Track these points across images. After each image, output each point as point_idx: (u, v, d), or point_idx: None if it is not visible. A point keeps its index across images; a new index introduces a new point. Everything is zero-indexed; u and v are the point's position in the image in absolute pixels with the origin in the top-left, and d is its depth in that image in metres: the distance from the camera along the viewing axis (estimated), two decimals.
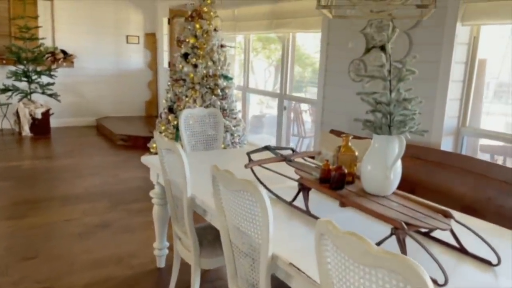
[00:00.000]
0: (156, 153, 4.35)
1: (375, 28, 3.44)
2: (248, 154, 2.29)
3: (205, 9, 4.12)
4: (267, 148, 2.37)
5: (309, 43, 5.58)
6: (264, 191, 1.41)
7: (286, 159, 2.23)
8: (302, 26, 4.41)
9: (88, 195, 4.26)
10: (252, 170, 2.17)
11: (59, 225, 3.53)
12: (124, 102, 8.25)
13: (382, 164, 1.75)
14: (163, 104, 4.44)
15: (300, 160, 2.40)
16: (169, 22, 7.77)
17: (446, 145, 3.06)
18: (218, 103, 4.19)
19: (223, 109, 4.27)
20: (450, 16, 2.89)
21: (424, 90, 3.08)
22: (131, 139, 6.50)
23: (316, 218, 1.78)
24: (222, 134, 3.45)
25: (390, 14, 2.12)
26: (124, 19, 8.02)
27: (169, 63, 7.91)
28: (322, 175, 1.87)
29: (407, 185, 2.22)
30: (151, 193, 2.79)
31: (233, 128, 4.27)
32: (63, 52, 7.42)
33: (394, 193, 1.81)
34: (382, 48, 3.47)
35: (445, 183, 2.59)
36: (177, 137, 4.16)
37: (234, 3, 5.03)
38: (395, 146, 1.77)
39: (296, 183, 1.97)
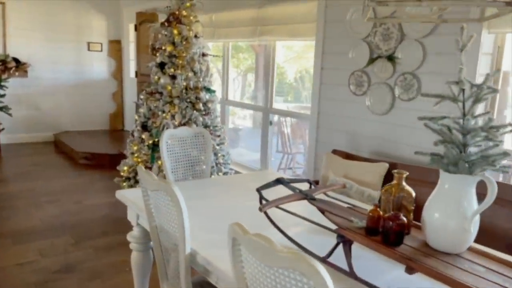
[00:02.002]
0: (128, 178, 3.77)
1: (381, 36, 3.07)
2: (259, 191, 1.81)
3: (184, 13, 3.62)
4: (280, 181, 1.90)
5: (278, 51, 5.14)
6: (326, 276, 0.93)
7: (308, 197, 1.76)
8: (291, 34, 3.99)
9: (46, 228, 3.61)
10: (267, 215, 1.69)
11: (9, 272, 2.88)
12: (85, 115, 7.53)
13: (457, 212, 1.33)
14: (135, 120, 3.87)
15: (322, 194, 1.95)
16: (136, 28, 7.17)
17: None
18: (200, 119, 3.67)
19: (205, 126, 3.76)
20: (474, 22, 2.55)
21: (443, 107, 2.72)
22: (96, 158, 5.82)
23: (368, 284, 1.32)
24: (211, 158, 2.94)
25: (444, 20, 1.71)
26: (86, 25, 7.34)
27: (136, 73, 7.29)
28: (370, 224, 1.42)
29: None
30: (129, 237, 2.24)
31: (217, 147, 3.76)
32: (16, 60, 6.63)
33: (468, 248, 1.39)
34: (390, 58, 3.11)
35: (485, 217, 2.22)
36: (152, 159, 3.60)
37: (214, 7, 4.56)
38: (473, 189, 1.35)
39: (321, 229, 1.51)
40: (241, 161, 5.09)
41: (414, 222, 1.56)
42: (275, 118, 4.92)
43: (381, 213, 1.42)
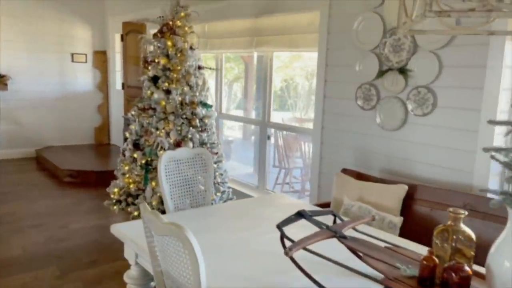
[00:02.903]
0: (119, 201, 3.48)
1: (391, 48, 2.89)
2: (280, 228, 1.58)
3: (178, 23, 3.38)
4: (302, 215, 1.67)
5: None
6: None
7: (337, 234, 1.54)
8: (291, 44, 3.79)
9: (29, 259, 3.29)
10: (293, 260, 1.46)
11: None
12: (69, 129, 7.19)
13: None
14: (125, 138, 3.59)
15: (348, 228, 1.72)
16: (122, 39, 6.89)
17: (493, 188, 2.53)
18: (197, 136, 3.43)
19: (202, 143, 3.51)
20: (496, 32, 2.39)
21: (463, 122, 2.55)
22: (81, 175, 5.50)
23: None
24: (213, 181, 2.70)
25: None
26: (69, 35, 7.03)
27: (123, 85, 7.00)
28: (424, 275, 1.20)
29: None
30: (126, 277, 1.98)
31: (214, 165, 3.52)
32: None
33: None
34: (401, 71, 2.92)
35: None
36: (145, 181, 3.34)
37: (207, 17, 4.33)
38: None
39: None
40: (235, 175, 4.85)
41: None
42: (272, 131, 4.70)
43: (437, 261, 1.20)
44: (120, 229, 1.97)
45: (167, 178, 2.42)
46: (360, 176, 2.75)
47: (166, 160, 2.41)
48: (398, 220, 2.25)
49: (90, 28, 7.23)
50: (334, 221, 1.76)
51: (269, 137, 4.35)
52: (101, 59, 7.35)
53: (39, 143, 6.86)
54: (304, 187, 5.08)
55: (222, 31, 4.51)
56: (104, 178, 5.42)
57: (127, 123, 5.75)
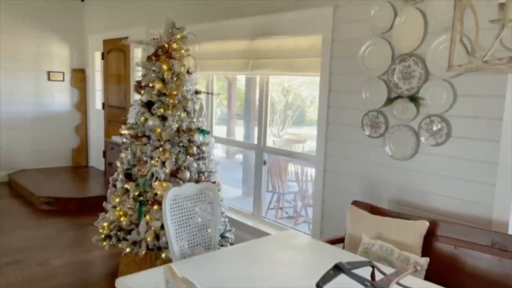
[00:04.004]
0: (108, 236, 3.21)
1: (400, 74, 2.80)
2: (320, 286, 1.40)
3: (174, 45, 3.20)
4: (340, 269, 1.50)
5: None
6: None
7: None
8: (290, 68, 3.67)
9: None
10: None
11: None
12: (45, 151, 6.80)
13: None
14: (117, 168, 3.33)
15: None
16: (103, 57, 6.63)
17: None
18: (195, 165, 3.22)
19: (199, 172, 3.30)
20: None
21: (481, 153, 2.46)
22: (59, 202, 5.14)
23: None
24: (220, 218, 2.50)
25: None
26: (46, 53, 6.70)
27: (104, 105, 6.71)
28: None
29: None
30: None
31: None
32: None
33: None
34: (412, 99, 2.83)
35: None
36: (139, 215, 3.08)
37: (199, 37, 4.15)
38: None
39: None
40: (225, 200, 4.62)
41: None
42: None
43: None
44: (128, 283, 1.74)
45: (173, 218, 2.20)
46: (374, 210, 2.61)
47: (171, 199, 2.19)
48: (424, 261, 2.11)
49: (68, 45, 6.93)
50: (373, 273, 1.59)
51: (265, 162, 4.18)
52: (79, 77, 7.04)
53: (12, 166, 6.43)
54: (298, 212, 4.91)
55: (214, 52, 4.35)
56: (85, 205, 5.11)
57: (110, 147, 5.47)
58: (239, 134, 7.63)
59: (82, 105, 7.12)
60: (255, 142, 4.21)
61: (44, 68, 6.72)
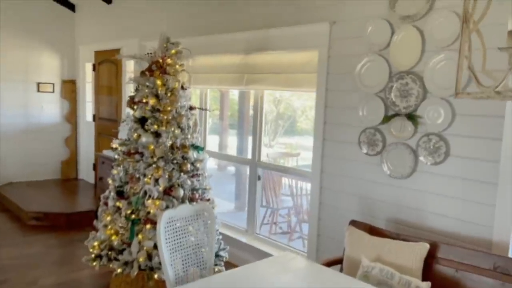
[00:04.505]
0: (99, 256, 3.11)
1: (397, 92, 2.78)
2: None
3: (169, 61, 3.14)
4: None
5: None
6: None
7: None
8: (285, 84, 3.63)
9: None
10: None
11: None
12: (34, 163, 6.65)
13: None
14: (109, 185, 3.25)
15: None
16: (94, 68, 6.55)
17: None
18: (189, 182, 3.15)
19: (193, 189, 3.23)
20: None
21: (480, 173, 2.43)
22: (48, 218, 5.01)
23: None
24: (215, 240, 2.43)
25: None
26: (35, 63, 6.60)
27: (94, 116, 6.61)
28: None
29: None
30: None
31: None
32: None
33: None
34: (410, 117, 2.80)
35: None
36: (132, 234, 2.99)
37: (193, 51, 4.11)
38: None
39: None
40: (218, 215, 4.54)
41: None
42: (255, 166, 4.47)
43: None
44: None
45: (167, 241, 2.12)
46: (372, 230, 2.56)
47: (165, 221, 2.12)
48: (426, 285, 2.06)
49: (59, 56, 6.83)
50: None
51: (259, 178, 4.12)
52: (70, 88, 6.94)
53: (0, 179, 6.28)
54: (292, 228, 4.85)
55: (209, 66, 4.30)
56: (74, 220, 5.00)
57: (101, 161, 5.37)
58: (231, 144, 7.57)
59: (72, 116, 7.00)
60: (249, 156, 4.15)
61: (33, 79, 6.61)
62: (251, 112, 4.15)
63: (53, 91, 6.82)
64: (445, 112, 2.55)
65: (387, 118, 2.86)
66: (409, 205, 2.78)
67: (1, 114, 6.27)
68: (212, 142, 6.57)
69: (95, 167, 6.24)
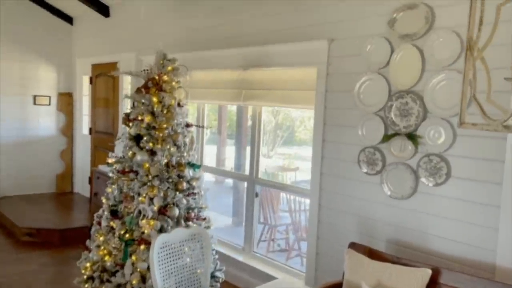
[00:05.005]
0: (91, 278, 3.02)
1: (397, 111, 2.74)
2: None
3: (165, 77, 3.10)
4: None
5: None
6: None
7: None
8: (283, 100, 3.59)
9: None
10: None
11: None
12: (28, 177, 6.57)
13: None
14: (103, 204, 3.17)
15: None
16: (91, 81, 6.51)
17: None
18: (184, 201, 3.08)
19: (189, 208, 3.16)
20: None
21: (483, 196, 2.38)
22: (42, 234, 4.92)
23: None
24: (210, 266, 2.35)
25: None
26: (32, 76, 6.56)
27: (91, 130, 6.55)
28: None
29: None
30: None
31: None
32: None
33: None
34: (410, 137, 2.75)
35: None
36: (125, 256, 2.91)
37: (190, 66, 4.08)
38: None
39: None
40: (215, 230, 4.45)
41: None
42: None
43: None
44: None
45: (161, 266, 2.05)
46: (373, 254, 2.49)
47: (159, 247, 2.05)
48: None
49: (56, 69, 6.79)
50: None
51: (257, 195, 4.05)
52: (66, 101, 6.89)
53: None
54: (290, 245, 4.76)
55: (206, 81, 4.26)
56: (68, 237, 4.91)
57: (96, 176, 5.29)
58: (229, 155, 7.50)
59: (68, 129, 6.94)
60: (247, 172, 4.09)
61: (30, 92, 6.56)
62: (249, 122, 4.09)
63: (49, 104, 6.77)
64: (446, 132, 2.50)
65: (387, 137, 2.81)
66: (410, 226, 2.72)
67: None
68: (209, 153, 6.51)
69: (90, 180, 6.16)
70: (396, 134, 2.76)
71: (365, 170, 2.93)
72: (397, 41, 2.72)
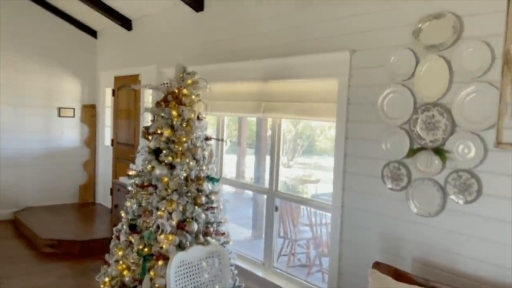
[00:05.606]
0: None
1: (423, 125, 2.62)
2: None
3: (185, 91, 3.08)
4: None
5: None
6: None
7: None
8: (304, 113, 3.52)
9: None
10: None
11: None
12: (52, 188, 6.69)
13: None
14: (122, 218, 3.16)
15: None
16: (113, 93, 6.60)
17: None
18: (203, 216, 3.03)
19: (207, 223, 3.11)
20: None
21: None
22: (63, 245, 4.96)
23: None
24: (229, 281, 2.28)
25: None
26: (57, 89, 6.71)
27: (113, 141, 6.62)
28: None
29: None
30: None
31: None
32: None
33: None
34: (437, 152, 2.63)
35: None
36: (143, 271, 2.88)
37: (210, 78, 4.07)
38: None
39: None
40: (234, 243, 4.38)
41: None
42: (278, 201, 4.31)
43: None
44: None
45: (178, 285, 2.00)
46: (399, 275, 2.37)
47: (176, 266, 2.00)
48: None
49: (80, 81, 6.93)
50: None
51: (276, 209, 3.97)
52: (90, 113, 7.00)
53: (18, 204, 6.31)
54: (311, 261, 4.64)
55: (226, 93, 4.24)
56: (89, 248, 4.93)
57: (117, 188, 5.32)
58: (249, 164, 7.44)
59: (91, 141, 7.04)
60: (266, 184, 4.02)
61: (55, 104, 6.70)
62: (269, 132, 4.03)
63: (73, 116, 6.89)
64: (476, 147, 2.37)
65: (412, 152, 2.69)
66: (438, 246, 2.58)
67: (23, 140, 6.35)
68: (229, 164, 6.47)
69: (112, 192, 6.21)
70: (422, 148, 2.64)
71: (389, 186, 2.82)
72: (423, 52, 2.62)
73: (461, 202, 2.45)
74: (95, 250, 4.80)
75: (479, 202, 2.39)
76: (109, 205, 6.53)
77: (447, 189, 2.51)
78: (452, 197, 2.49)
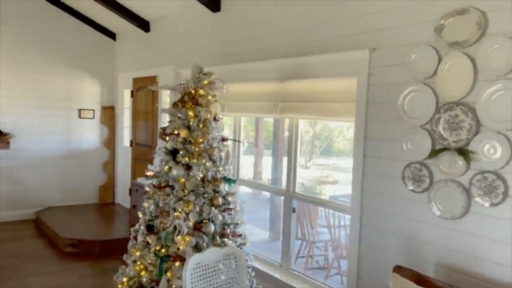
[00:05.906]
0: None
1: (446, 125, 2.54)
2: None
3: (201, 91, 3.07)
4: None
5: None
6: None
7: None
8: (321, 113, 3.47)
9: None
10: None
11: None
12: (73, 188, 6.79)
13: None
14: (139, 219, 3.17)
15: None
16: (132, 95, 6.66)
17: None
18: (220, 217, 3.01)
19: (224, 224, 3.09)
20: None
21: None
22: (83, 245, 5.02)
23: None
24: (246, 283, 2.25)
25: None
26: (77, 91, 6.80)
27: (131, 142, 6.69)
28: None
29: None
30: None
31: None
32: None
33: None
34: (461, 152, 2.54)
35: None
36: (160, 272, 2.87)
37: (226, 78, 4.05)
38: None
39: None
40: (251, 245, 4.33)
41: None
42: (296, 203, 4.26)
43: None
44: None
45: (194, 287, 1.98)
46: (421, 280, 2.30)
47: (192, 268, 1.98)
48: None
49: (99, 83, 7.02)
50: None
51: (294, 210, 3.92)
52: (109, 114, 7.09)
53: (40, 204, 6.43)
54: (330, 263, 4.57)
55: (242, 93, 4.22)
56: (108, 248, 4.97)
57: (135, 189, 5.36)
58: (266, 165, 7.39)
59: (110, 142, 7.13)
60: (284, 186, 3.98)
61: (75, 106, 6.80)
62: (286, 133, 3.99)
63: (93, 117, 6.99)
64: (503, 147, 2.28)
65: (434, 153, 2.61)
66: (462, 250, 2.49)
67: (45, 141, 6.47)
68: (246, 164, 6.44)
69: (130, 192, 6.27)
70: (444, 149, 2.56)
71: (411, 187, 2.74)
72: (445, 49, 2.54)
73: (486, 204, 2.36)
74: (114, 250, 4.84)
75: (505, 204, 2.29)
76: (128, 205, 6.59)
77: (472, 191, 2.42)
78: (477, 199, 2.40)
